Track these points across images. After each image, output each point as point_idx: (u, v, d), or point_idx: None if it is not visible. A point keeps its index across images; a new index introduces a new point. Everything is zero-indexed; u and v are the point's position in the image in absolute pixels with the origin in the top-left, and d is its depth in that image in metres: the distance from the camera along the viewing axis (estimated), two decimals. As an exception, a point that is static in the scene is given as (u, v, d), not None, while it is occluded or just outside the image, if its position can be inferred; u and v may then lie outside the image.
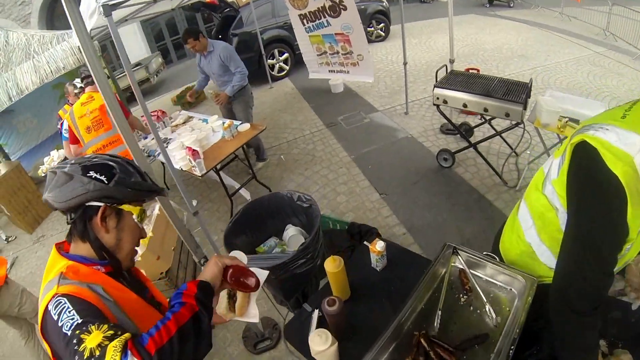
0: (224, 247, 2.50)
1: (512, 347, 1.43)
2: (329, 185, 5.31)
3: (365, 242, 2.27)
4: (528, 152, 5.20)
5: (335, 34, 6.53)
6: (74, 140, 4.36)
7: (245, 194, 5.16)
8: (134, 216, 1.37)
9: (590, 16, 10.48)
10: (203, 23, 15.10)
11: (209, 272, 1.32)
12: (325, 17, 6.36)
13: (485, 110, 4.44)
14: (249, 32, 8.67)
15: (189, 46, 4.91)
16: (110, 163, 1.32)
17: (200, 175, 4.16)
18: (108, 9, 2.48)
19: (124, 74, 10.31)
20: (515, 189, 4.85)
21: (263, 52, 8.59)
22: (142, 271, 1.61)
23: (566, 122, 4.03)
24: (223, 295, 1.43)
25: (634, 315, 1.71)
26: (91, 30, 3.16)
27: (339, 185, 5.30)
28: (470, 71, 5.58)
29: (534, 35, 10.32)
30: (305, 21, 6.74)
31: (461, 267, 1.89)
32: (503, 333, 1.59)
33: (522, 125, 4.40)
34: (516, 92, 4.36)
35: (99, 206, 1.27)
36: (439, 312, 1.70)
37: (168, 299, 1.26)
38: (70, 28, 2.67)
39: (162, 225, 3.62)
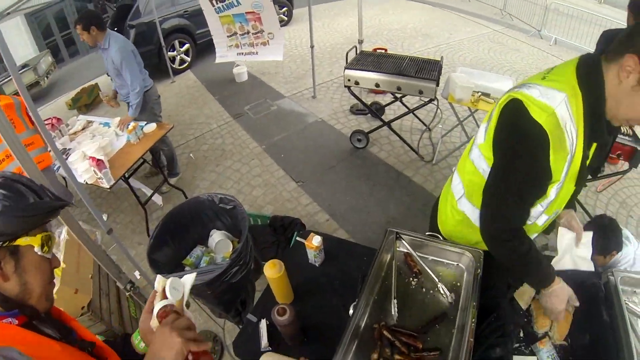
0: (148, 265, 2.26)
1: (474, 321, 1.48)
2: (243, 180, 5.09)
3: (298, 239, 2.15)
4: (440, 126, 5.30)
5: (246, 12, 6.25)
6: None
7: (157, 199, 4.82)
8: (36, 248, 1.04)
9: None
10: None
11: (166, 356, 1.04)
12: (235, -5, 6.07)
13: (399, 88, 4.46)
14: (147, 23, 7.98)
15: (77, 32, 4.22)
16: None
17: (108, 187, 3.76)
18: None
19: (9, 78, 9.36)
20: (432, 163, 4.96)
21: (163, 43, 8.01)
22: (62, 309, 1.25)
23: (479, 96, 4.26)
24: None
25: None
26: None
27: (253, 178, 5.09)
28: (378, 51, 5.59)
29: (436, 15, 10.66)
30: (214, 1, 6.38)
31: (406, 251, 1.90)
32: (460, 308, 1.66)
33: (435, 102, 4.49)
34: (428, 69, 4.46)
35: None
36: (394, 301, 1.68)
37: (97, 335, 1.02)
38: None
39: (73, 250, 3.15)
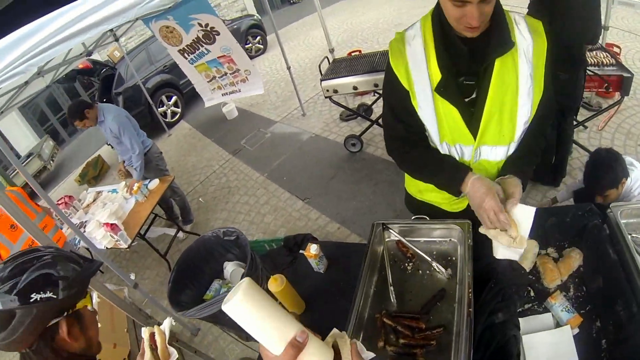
0: (171, 308, 2.38)
1: (470, 290, 1.46)
2: (253, 210, 5.23)
3: (300, 251, 2.27)
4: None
5: (218, 57, 6.46)
6: None
7: (180, 234, 5.02)
8: (89, 307, 1.23)
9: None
10: (84, 90, 14.24)
11: None
12: (202, 46, 6.28)
13: (376, 85, 4.54)
14: (132, 87, 8.30)
15: (79, 127, 4.54)
16: (47, 270, 1.10)
17: (126, 247, 3.97)
18: None
19: (15, 172, 9.75)
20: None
21: (151, 102, 8.29)
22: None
23: None
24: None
25: (568, 215, 1.87)
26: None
27: (261, 206, 5.23)
28: (353, 54, 5.67)
29: (404, 4, 10.74)
30: (186, 54, 6.61)
31: (396, 238, 1.91)
32: (458, 282, 1.65)
33: None
34: None
35: (57, 322, 1.10)
36: (391, 288, 1.71)
37: None
38: None
39: (106, 310, 3.34)
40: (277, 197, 5.27)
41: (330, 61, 5.38)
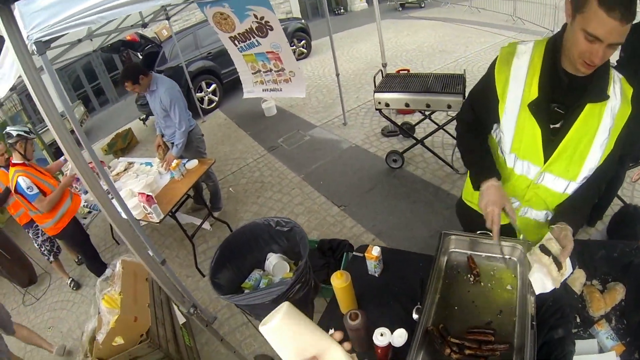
0: (212, 287, 2.35)
1: (533, 306, 1.53)
2: (286, 209, 5.19)
3: (355, 253, 2.32)
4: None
5: (267, 52, 6.48)
6: (48, 190, 4.10)
7: (206, 225, 4.94)
8: None
9: (497, 5, 11.05)
10: (122, 65, 14.32)
11: None
12: (254, 37, 6.30)
13: (428, 105, 4.58)
14: (174, 67, 8.34)
15: (127, 89, 4.48)
16: None
17: (158, 221, 3.89)
18: (42, 47, 2.26)
19: (45, 128, 9.78)
20: (467, 175, 4.93)
21: (191, 85, 8.34)
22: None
23: None
24: None
25: (616, 250, 1.97)
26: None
27: (295, 206, 5.19)
28: (402, 72, 5.71)
29: (449, 31, 10.76)
30: (236, 42, 6.64)
31: (462, 251, 1.97)
32: (518, 298, 1.69)
33: None
34: (452, 84, 4.58)
35: None
36: (455, 308, 1.72)
37: None
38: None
39: (129, 281, 3.28)
40: (312, 199, 5.24)
41: (383, 75, 5.39)
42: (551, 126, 1.61)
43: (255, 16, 5.92)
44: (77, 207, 4.47)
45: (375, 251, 2.11)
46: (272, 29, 5.99)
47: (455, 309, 1.71)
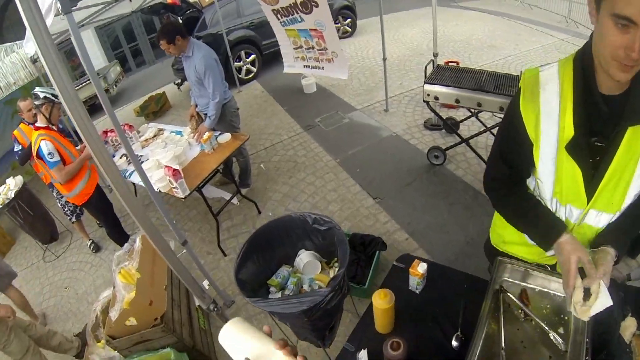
0: (236, 284, 2.18)
1: (588, 358, 1.40)
2: (318, 194, 5.01)
3: (396, 263, 2.17)
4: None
5: (310, 29, 6.26)
6: (69, 159, 3.95)
7: (234, 200, 4.84)
8: None
9: (551, 4, 10.59)
10: None
11: None
12: (298, 12, 6.09)
13: (479, 104, 4.32)
14: (214, 34, 8.21)
15: (162, 48, 4.26)
16: None
17: (183, 197, 3.73)
18: (68, 5, 2.07)
19: (82, 84, 9.75)
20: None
21: (229, 54, 8.15)
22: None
23: None
24: None
25: None
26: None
27: (328, 192, 5.01)
28: (451, 64, 5.45)
29: (499, 25, 10.32)
30: (279, 16, 6.43)
31: (516, 282, 1.83)
32: (570, 343, 1.55)
33: None
34: (506, 85, 4.32)
35: None
36: (503, 352, 1.54)
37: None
38: (20, 39, 2.28)
39: (148, 259, 3.13)
40: (346, 187, 5.04)
41: (434, 66, 5.16)
42: (591, 161, 1.38)
43: (302, -10, 5.71)
44: (97, 180, 4.34)
45: (421, 268, 1.94)
46: (317, 6, 5.77)
47: (502, 351, 1.54)
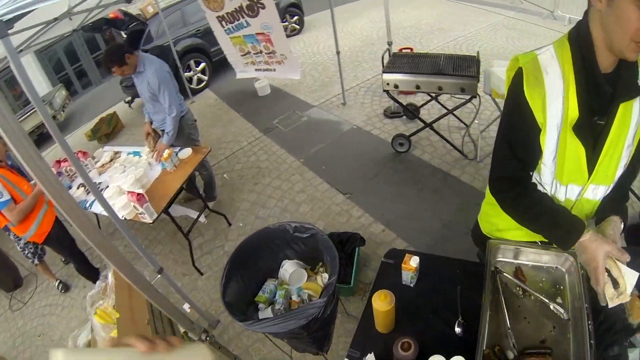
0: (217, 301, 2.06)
1: (590, 323, 1.44)
2: (286, 197, 4.90)
3: (384, 260, 2.14)
4: (477, 122, 5.13)
5: (256, 33, 6.14)
6: (19, 197, 3.65)
7: (201, 217, 4.63)
8: None
9: (496, -17, 10.75)
10: (105, 45, 13.73)
11: None
12: (243, 17, 5.97)
13: (440, 88, 4.35)
14: (161, 46, 7.94)
15: (115, 74, 4.05)
16: None
17: (151, 221, 3.54)
18: (3, 28, 1.88)
19: (24, 116, 9.38)
20: (476, 161, 4.82)
21: (179, 65, 7.90)
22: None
23: None
24: None
25: None
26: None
27: (296, 194, 4.91)
28: (404, 51, 5.45)
29: (445, 8, 10.43)
30: (224, 23, 6.30)
31: (510, 260, 1.87)
32: (570, 311, 1.60)
33: (476, 98, 4.40)
34: (464, 66, 4.36)
35: None
36: (510, 332, 1.55)
37: None
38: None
39: (124, 294, 2.88)
40: (314, 186, 4.95)
41: (390, 54, 5.16)
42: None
43: (248, -7, 5.59)
44: (56, 214, 4.06)
45: (413, 262, 1.89)
46: (263, 7, 5.69)
47: (509, 330, 1.55)
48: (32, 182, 3.93)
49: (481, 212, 2.06)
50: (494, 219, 1.92)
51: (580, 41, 1.31)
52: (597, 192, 1.55)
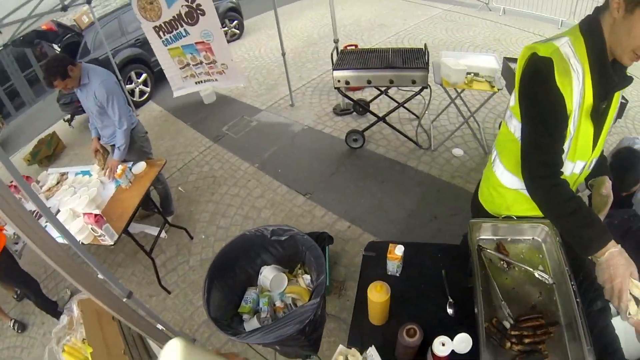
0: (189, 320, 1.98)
1: (573, 283, 1.58)
2: (246, 204, 4.82)
3: (365, 253, 2.15)
4: (427, 112, 5.23)
5: (196, 43, 6.03)
6: None
7: (162, 234, 4.40)
8: None
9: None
10: (37, 61, 12.91)
11: None
12: (182, 25, 5.84)
13: (391, 81, 4.42)
14: (98, 59, 7.55)
15: (58, 88, 3.76)
16: None
17: (112, 243, 3.34)
18: None
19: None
20: (431, 150, 4.95)
21: (119, 77, 7.56)
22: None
23: (472, 77, 4.32)
24: None
25: (616, 218, 2.16)
26: None
27: (256, 200, 4.83)
28: (349, 48, 5.52)
29: (384, 4, 10.65)
30: (161, 33, 6.11)
31: (490, 237, 1.97)
32: (552, 276, 1.73)
33: (426, 89, 4.50)
34: (412, 58, 4.47)
35: None
36: (503, 303, 1.65)
37: None
38: None
39: (94, 327, 2.61)
40: (272, 190, 4.89)
41: (338, 52, 5.18)
42: None
43: (187, -1, 5.47)
44: (4, 242, 3.72)
45: (398, 250, 1.92)
46: (203, 14, 5.61)
47: (502, 302, 1.65)
48: None
49: (482, 192, 2.11)
50: (496, 198, 1.99)
51: (594, 37, 1.44)
52: (591, 163, 1.77)
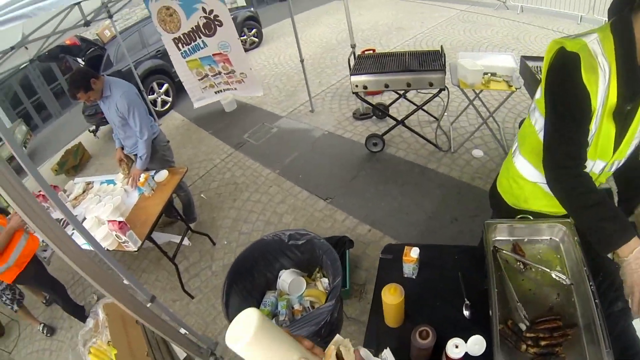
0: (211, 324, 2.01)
1: (592, 284, 1.52)
2: (268, 209, 4.86)
3: (382, 256, 2.13)
4: (446, 114, 5.21)
5: (213, 54, 6.11)
6: None
7: (185, 241, 4.52)
8: None
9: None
10: (61, 75, 13.27)
11: None
12: (200, 37, 5.94)
13: (408, 85, 4.43)
14: (121, 71, 7.77)
15: (81, 100, 3.89)
16: None
17: (136, 249, 3.41)
18: None
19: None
20: (451, 152, 4.92)
21: (142, 88, 7.73)
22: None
23: (489, 77, 4.27)
24: None
25: None
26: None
27: (277, 205, 4.87)
28: (367, 52, 5.54)
29: (401, 8, 10.62)
30: (180, 45, 6.23)
31: (506, 238, 1.93)
32: (571, 276, 1.68)
33: (444, 91, 4.48)
34: (430, 61, 4.45)
35: None
36: (519, 304, 1.61)
37: None
38: None
39: (119, 329, 2.69)
40: (293, 195, 4.93)
41: (355, 57, 5.19)
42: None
43: (204, 10, 5.61)
44: (35, 248, 3.87)
45: (414, 253, 1.93)
46: (221, 25, 5.68)
47: (518, 304, 1.61)
48: (9, 216, 3.79)
49: (500, 182, 2.08)
50: (515, 190, 1.97)
51: (623, 37, 1.38)
52: (613, 166, 1.70)
